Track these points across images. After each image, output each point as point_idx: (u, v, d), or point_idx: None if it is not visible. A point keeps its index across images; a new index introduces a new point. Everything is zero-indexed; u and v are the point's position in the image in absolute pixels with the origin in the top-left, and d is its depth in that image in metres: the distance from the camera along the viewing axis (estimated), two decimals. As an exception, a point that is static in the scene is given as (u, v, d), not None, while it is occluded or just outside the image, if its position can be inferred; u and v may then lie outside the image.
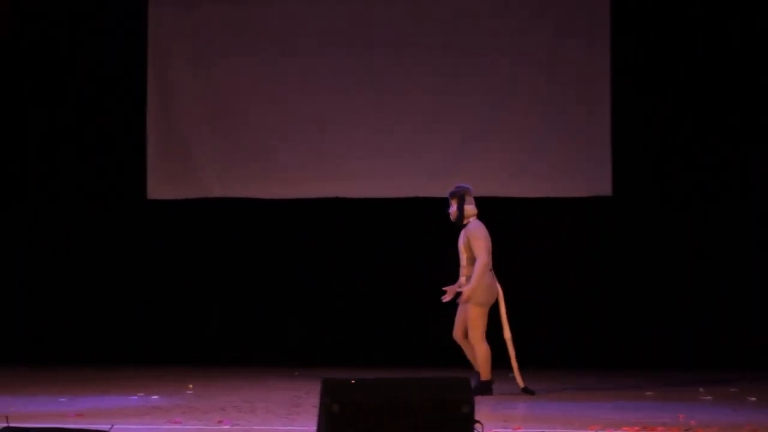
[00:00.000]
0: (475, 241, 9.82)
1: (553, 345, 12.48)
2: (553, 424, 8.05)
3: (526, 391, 9.94)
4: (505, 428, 7.74)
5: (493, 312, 9.89)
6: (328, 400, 5.57)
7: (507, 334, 9.98)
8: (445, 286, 9.99)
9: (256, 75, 12.91)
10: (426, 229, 12.65)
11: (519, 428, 7.79)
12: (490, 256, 9.89)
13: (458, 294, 9.88)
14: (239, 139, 12.91)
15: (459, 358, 10.17)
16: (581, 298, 12.53)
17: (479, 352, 9.82)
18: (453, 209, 10.03)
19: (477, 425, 5.73)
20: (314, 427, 5.90)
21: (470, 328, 9.82)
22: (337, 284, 12.84)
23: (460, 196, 10.02)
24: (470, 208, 10.02)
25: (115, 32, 13.17)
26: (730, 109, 12.40)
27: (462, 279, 9.92)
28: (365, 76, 12.77)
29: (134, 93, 13.07)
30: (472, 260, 9.82)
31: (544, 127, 12.48)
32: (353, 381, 5.72)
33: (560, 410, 8.90)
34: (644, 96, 12.51)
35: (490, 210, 12.53)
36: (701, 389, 10.31)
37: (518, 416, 8.52)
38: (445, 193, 11.91)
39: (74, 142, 13.19)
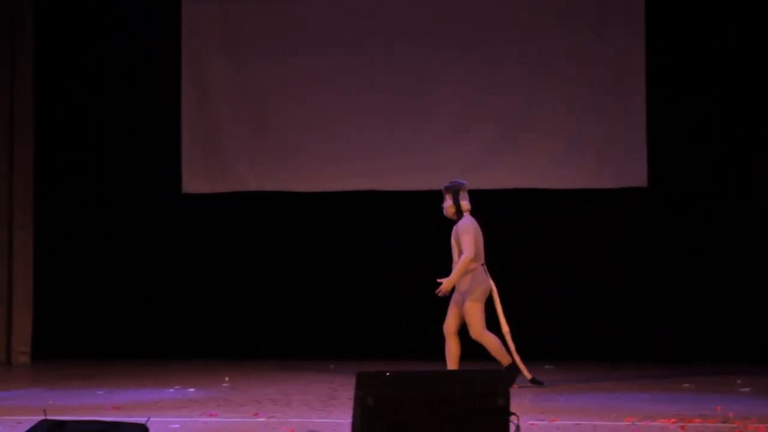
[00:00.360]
0: (464, 235, 9.87)
1: (586, 337, 12.43)
2: (589, 415, 8.03)
3: (534, 382, 9.97)
4: (540, 420, 7.73)
5: (488, 307, 9.95)
6: (362, 393, 5.57)
7: (504, 328, 10.01)
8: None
9: (289, 69, 12.92)
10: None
11: (555, 420, 7.77)
12: (481, 251, 9.95)
13: (453, 289, 9.92)
14: (273, 132, 12.93)
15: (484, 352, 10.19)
16: (615, 289, 12.48)
17: (487, 344, 9.87)
18: (448, 204, 10.07)
19: (512, 417, 5.72)
20: (350, 420, 5.90)
21: (469, 326, 9.87)
22: (372, 276, 12.84)
23: (455, 191, 10.07)
24: (464, 204, 10.05)
25: (149, 28, 13.21)
26: None
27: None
28: (400, 71, 12.75)
29: (169, 88, 13.10)
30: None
31: (579, 118, 12.43)
32: (388, 374, 5.72)
33: (596, 402, 8.88)
34: (680, 87, 12.43)
35: (526, 202, 12.58)
36: (738, 381, 10.24)
37: (554, 408, 8.49)
38: (479, 186, 11.96)
39: (110, 137, 13.25)
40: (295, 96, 12.90)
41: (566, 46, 12.46)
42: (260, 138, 12.94)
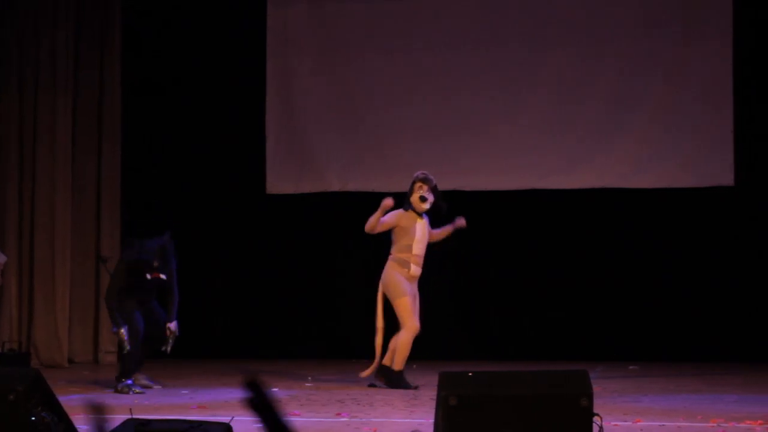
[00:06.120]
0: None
1: (671, 338, 12.34)
2: (674, 417, 7.94)
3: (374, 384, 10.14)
4: (624, 421, 7.66)
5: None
6: (445, 393, 5.56)
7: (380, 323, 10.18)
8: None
9: (375, 70, 12.97)
10: (547, 220, 12.68)
11: (639, 421, 7.70)
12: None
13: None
14: (359, 133, 12.98)
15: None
16: (700, 288, 12.36)
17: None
18: (433, 198, 10.14)
19: (596, 418, 5.68)
20: (432, 420, 5.90)
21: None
22: (455, 276, 12.83)
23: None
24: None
25: (234, 28, 13.32)
26: None
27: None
28: (487, 72, 12.75)
29: (254, 88, 13.20)
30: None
31: (666, 118, 12.36)
32: (470, 374, 5.70)
33: (681, 403, 8.78)
34: None
35: (613, 201, 12.50)
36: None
37: (638, 409, 8.41)
38: (568, 186, 12.02)
39: (194, 136, 13.38)
40: (380, 96, 12.94)
41: (655, 48, 12.42)
42: (345, 138, 13.00)
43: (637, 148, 12.43)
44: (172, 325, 10.16)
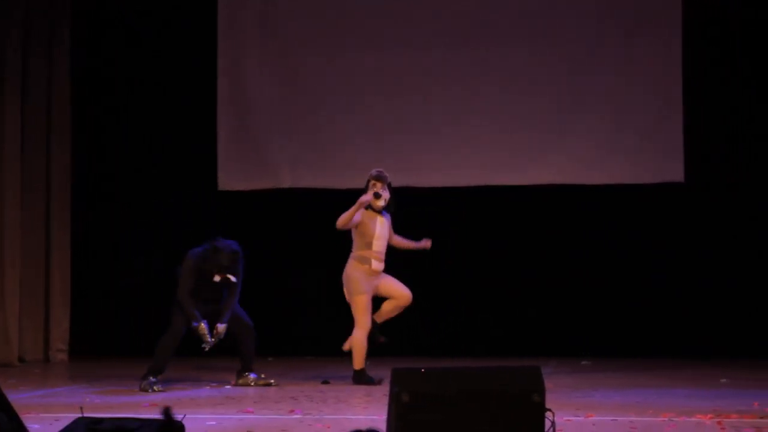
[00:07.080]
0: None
1: (623, 333, 12.40)
2: (626, 411, 8.00)
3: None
4: (576, 416, 7.70)
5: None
6: (398, 390, 5.57)
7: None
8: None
9: (327, 68, 12.94)
10: (498, 216, 12.72)
11: (591, 416, 7.74)
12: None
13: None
14: (310, 130, 12.96)
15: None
16: (650, 284, 12.44)
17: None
18: (388, 195, 10.22)
19: (548, 413, 5.71)
20: (385, 416, 5.90)
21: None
22: (418, 272, 12.83)
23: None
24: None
25: (185, 25, 13.25)
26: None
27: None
28: (440, 70, 12.76)
29: (205, 84, 13.14)
30: None
31: (617, 116, 12.43)
32: (423, 370, 5.71)
33: (633, 398, 8.84)
34: (718, 82, 12.39)
35: (567, 198, 12.55)
36: (777, 376, 10.18)
37: (590, 404, 8.46)
38: (519, 182, 12.05)
39: (145, 134, 13.31)
40: (332, 94, 12.92)
41: (605, 45, 12.48)
42: (296, 135, 12.98)
43: (588, 144, 12.49)
44: (221, 326, 10.02)
